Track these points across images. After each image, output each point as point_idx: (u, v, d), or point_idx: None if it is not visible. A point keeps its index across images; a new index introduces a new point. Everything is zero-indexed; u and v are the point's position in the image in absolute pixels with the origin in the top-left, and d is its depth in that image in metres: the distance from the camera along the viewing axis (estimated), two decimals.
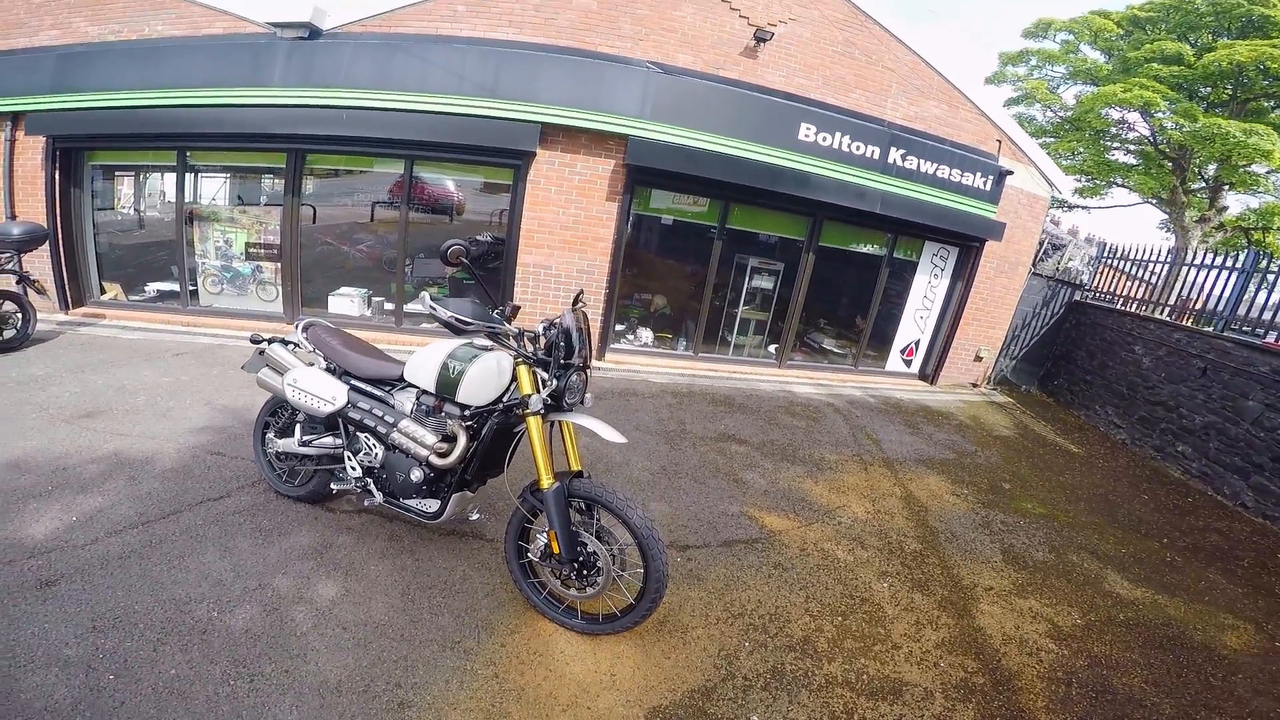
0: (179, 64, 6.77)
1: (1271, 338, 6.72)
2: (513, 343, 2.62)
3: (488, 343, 2.79)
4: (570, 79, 6.75)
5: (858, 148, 7.49)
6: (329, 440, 3.21)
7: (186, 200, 7.55)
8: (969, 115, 8.08)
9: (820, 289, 8.61)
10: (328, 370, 3.21)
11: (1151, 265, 8.93)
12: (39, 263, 7.23)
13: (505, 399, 2.75)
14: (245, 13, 6.75)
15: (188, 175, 7.50)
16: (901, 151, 7.65)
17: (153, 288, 8.04)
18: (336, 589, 2.86)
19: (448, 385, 2.74)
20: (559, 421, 2.71)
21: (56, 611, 2.50)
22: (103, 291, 7.99)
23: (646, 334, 8.32)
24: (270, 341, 3.39)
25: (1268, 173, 14.13)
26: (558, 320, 2.61)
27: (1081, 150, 16.60)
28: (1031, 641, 3.24)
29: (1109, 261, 9.97)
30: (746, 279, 8.30)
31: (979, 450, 6.41)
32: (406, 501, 2.99)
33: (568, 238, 7.33)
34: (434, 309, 2.50)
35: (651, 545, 2.51)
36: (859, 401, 7.65)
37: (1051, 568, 4.09)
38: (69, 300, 7.64)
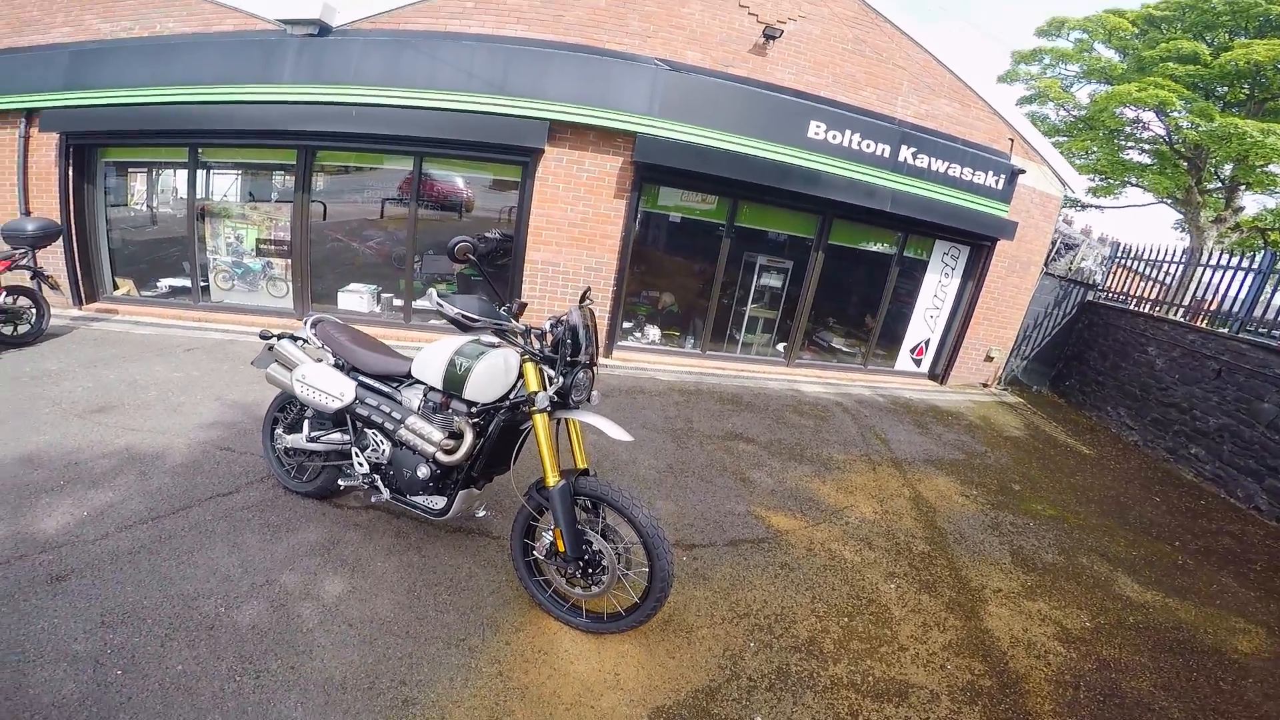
0: (190, 61, 6.81)
1: None
2: (519, 340, 2.61)
3: (495, 340, 2.78)
4: (578, 76, 6.74)
5: (868, 146, 7.45)
6: (337, 436, 3.22)
7: (198, 197, 7.59)
8: (981, 113, 8.01)
9: (829, 287, 8.58)
10: (336, 366, 3.23)
11: (1166, 265, 8.82)
12: (53, 258, 7.30)
13: (512, 396, 2.74)
14: (255, 10, 6.78)
15: (199, 172, 7.54)
16: (912, 149, 7.60)
17: (165, 283, 8.10)
18: (343, 585, 2.87)
19: (455, 382, 2.74)
20: (565, 419, 2.71)
21: (66, 606, 2.52)
22: (116, 287, 8.06)
23: (654, 331, 8.31)
24: (279, 337, 3.40)
25: None
26: (565, 317, 2.60)
27: (1095, 149, 16.42)
28: (1040, 644, 3.21)
29: (1122, 261, 9.87)
30: (755, 277, 8.28)
31: (989, 451, 6.37)
32: (413, 498, 2.99)
33: (576, 235, 7.33)
34: (441, 305, 2.50)
35: (657, 544, 2.50)
36: (868, 401, 7.61)
37: (1061, 570, 4.06)
38: (82, 296, 7.71)
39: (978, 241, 8.58)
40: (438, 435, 2.72)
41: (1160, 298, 8.76)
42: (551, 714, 2.33)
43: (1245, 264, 7.46)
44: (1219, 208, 15.05)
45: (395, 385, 3.08)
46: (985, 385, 9.37)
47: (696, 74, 7.03)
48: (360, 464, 3.10)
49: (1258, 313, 7.10)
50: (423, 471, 2.85)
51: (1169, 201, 16.49)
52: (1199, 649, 3.40)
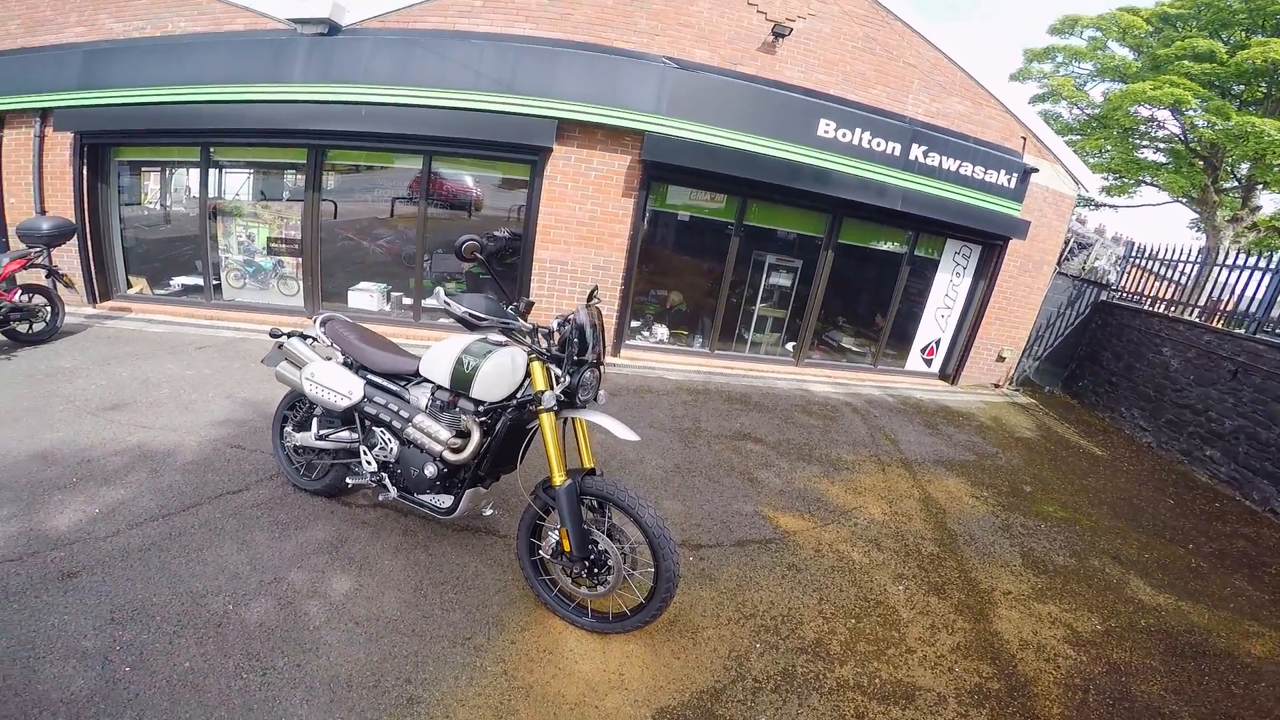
0: (201, 60, 6.86)
1: None
2: (526, 339, 2.62)
3: (502, 339, 2.79)
4: (586, 74, 6.73)
5: (878, 144, 7.40)
6: (345, 434, 3.24)
7: (210, 196, 7.65)
8: (993, 112, 7.94)
9: (839, 287, 8.53)
10: (345, 365, 3.24)
11: (1181, 265, 8.72)
12: (67, 257, 7.37)
13: (519, 395, 2.74)
14: (266, 9, 6.82)
15: (211, 171, 7.60)
16: (923, 148, 7.54)
17: (177, 282, 8.17)
18: (350, 583, 2.89)
19: (462, 380, 2.74)
20: (572, 418, 2.71)
21: (77, 603, 2.55)
22: (129, 285, 8.13)
23: (662, 331, 8.30)
24: (289, 336, 3.42)
25: None
26: (572, 316, 2.60)
27: (1109, 148, 16.24)
28: (1049, 647, 3.18)
29: (1137, 261, 9.76)
30: (764, 276, 8.25)
31: (1000, 452, 6.31)
32: (420, 496, 3.00)
33: (584, 233, 7.32)
34: (448, 304, 2.50)
35: (663, 544, 2.50)
36: (878, 401, 7.57)
37: (1072, 572, 4.02)
38: (96, 294, 7.79)
39: (990, 241, 8.51)
40: (445, 434, 2.73)
41: (1175, 298, 8.66)
42: (555, 713, 2.33)
43: (1263, 264, 7.36)
44: (1236, 207, 14.84)
45: (403, 384, 3.08)
46: (997, 386, 9.30)
47: (705, 72, 7.01)
48: (368, 462, 3.11)
49: (1275, 313, 7.00)
50: (430, 470, 2.86)
51: (1184, 201, 16.28)
52: (1211, 652, 3.36)
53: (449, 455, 2.71)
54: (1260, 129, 12.01)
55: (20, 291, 5.83)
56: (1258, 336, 6.68)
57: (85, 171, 7.43)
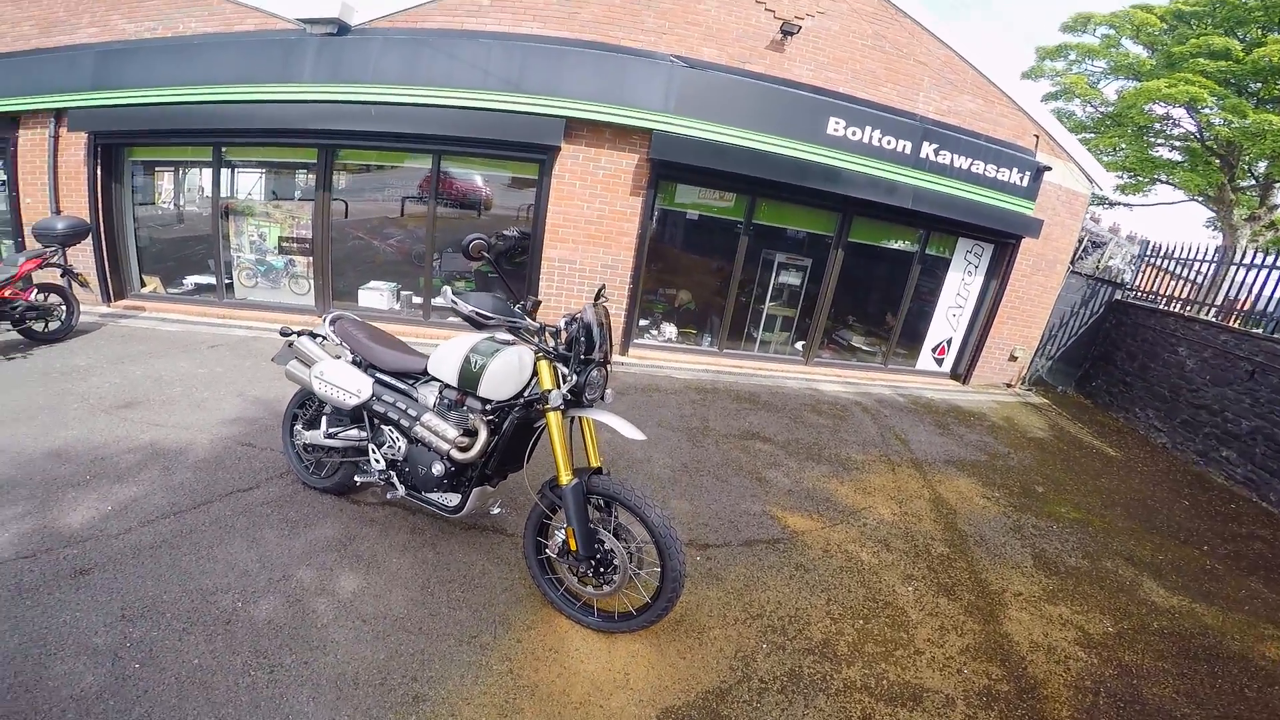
0: (212, 61, 6.91)
1: None
2: (534, 337, 2.62)
3: (510, 337, 2.79)
4: (594, 73, 6.73)
5: (888, 142, 7.35)
6: (354, 433, 3.25)
7: (222, 195, 7.71)
8: (1005, 110, 7.87)
9: (849, 285, 8.49)
10: (354, 363, 3.25)
11: (1197, 264, 8.61)
12: (82, 256, 7.46)
13: (526, 394, 2.74)
14: (275, 9, 6.86)
15: (223, 170, 7.66)
16: (934, 146, 7.48)
17: (190, 281, 8.24)
18: (358, 581, 2.90)
19: (470, 379, 2.75)
20: (579, 417, 2.70)
21: (88, 600, 2.57)
22: (143, 284, 8.22)
23: (670, 329, 8.29)
24: (299, 334, 3.44)
25: None
26: (579, 315, 2.60)
27: (1123, 146, 16.06)
28: (1060, 649, 3.14)
29: (1152, 260, 9.65)
30: (773, 275, 8.21)
31: (1012, 452, 6.26)
32: (428, 495, 3.01)
33: (592, 232, 7.32)
34: (455, 303, 2.51)
35: (669, 544, 2.49)
36: (888, 400, 7.52)
37: (1084, 574, 3.98)
38: (110, 293, 7.87)
39: (1002, 239, 8.44)
40: (452, 432, 2.73)
41: (1191, 297, 8.56)
42: (560, 712, 2.33)
43: None
44: (1253, 205, 14.65)
45: (411, 382, 3.10)
46: (1009, 385, 9.22)
47: (713, 70, 6.98)
48: (376, 460, 3.12)
49: None
50: (437, 468, 2.86)
51: (1200, 199, 16.08)
52: (1225, 655, 3.31)
53: (456, 454, 2.72)
54: (1278, 127, 11.84)
55: (36, 290, 5.91)
56: (1276, 336, 6.58)
57: (99, 171, 7.51)
